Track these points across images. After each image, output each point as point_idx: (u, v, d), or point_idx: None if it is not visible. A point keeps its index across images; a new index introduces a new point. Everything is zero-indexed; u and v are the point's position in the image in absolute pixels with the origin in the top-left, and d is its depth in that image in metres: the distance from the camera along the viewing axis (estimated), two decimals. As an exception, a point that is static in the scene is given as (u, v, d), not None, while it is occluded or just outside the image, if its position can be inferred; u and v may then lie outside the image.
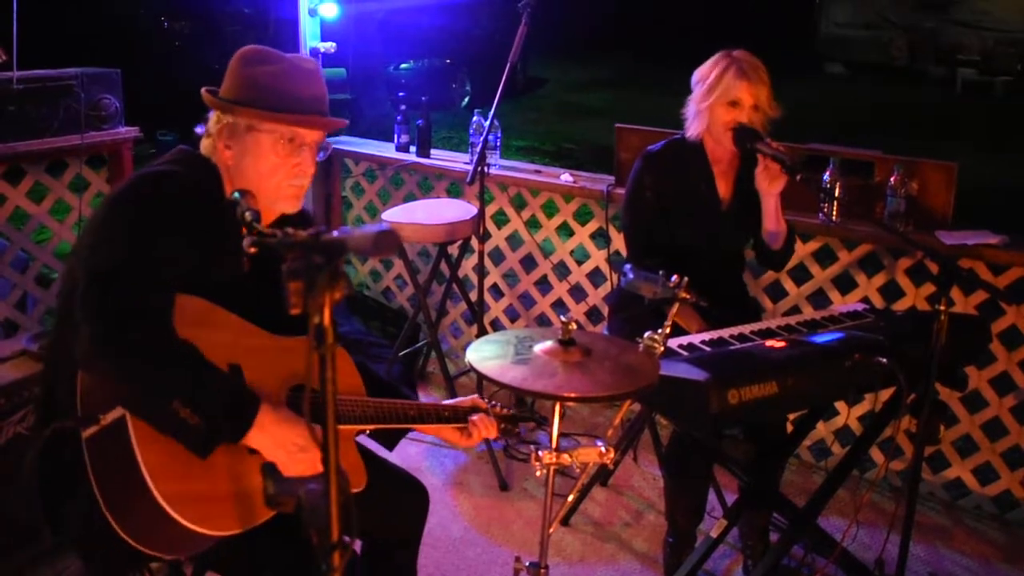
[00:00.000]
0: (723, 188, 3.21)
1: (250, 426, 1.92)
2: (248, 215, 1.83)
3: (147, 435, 1.85)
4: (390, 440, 2.46)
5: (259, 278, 2.15)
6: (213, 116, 2.15)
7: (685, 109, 3.20)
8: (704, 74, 3.12)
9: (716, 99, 3.05)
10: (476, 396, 2.45)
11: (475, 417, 2.39)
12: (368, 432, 2.37)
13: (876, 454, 3.86)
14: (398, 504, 2.38)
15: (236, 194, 1.91)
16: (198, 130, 2.19)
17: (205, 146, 2.16)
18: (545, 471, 2.18)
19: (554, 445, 2.17)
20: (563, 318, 2.18)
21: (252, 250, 1.69)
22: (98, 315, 1.85)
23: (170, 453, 1.86)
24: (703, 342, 2.61)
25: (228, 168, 2.14)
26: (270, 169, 2.12)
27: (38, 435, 2.04)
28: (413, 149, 4.84)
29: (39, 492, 2.03)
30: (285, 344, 2.14)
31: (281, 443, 1.94)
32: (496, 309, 4.80)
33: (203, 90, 2.17)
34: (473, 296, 4.19)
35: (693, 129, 3.16)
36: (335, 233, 1.28)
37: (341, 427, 2.13)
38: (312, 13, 4.79)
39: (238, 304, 2.08)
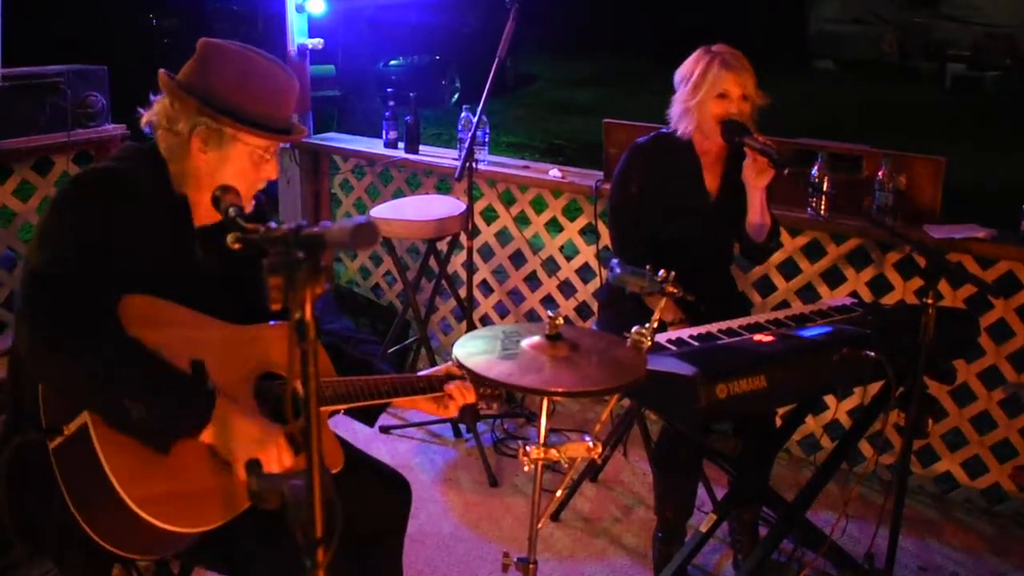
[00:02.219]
0: (711, 182, 3.22)
1: (207, 420, 1.89)
2: (232, 211, 1.82)
3: (111, 440, 1.84)
4: (369, 416, 2.43)
5: (219, 270, 2.15)
6: (177, 109, 2.05)
7: (669, 110, 3.20)
8: (687, 72, 3.12)
9: (705, 94, 3.06)
10: (450, 363, 2.35)
11: (451, 385, 2.35)
12: (343, 411, 2.34)
13: (865, 448, 3.86)
14: (380, 499, 2.36)
15: (217, 191, 1.91)
16: (143, 118, 2.11)
17: (166, 140, 2.08)
18: (533, 466, 2.18)
19: (542, 440, 2.16)
20: (550, 313, 2.17)
21: (236, 246, 1.68)
22: (36, 317, 1.83)
23: (136, 456, 1.85)
24: (691, 337, 2.61)
25: (198, 169, 2.09)
26: (240, 174, 2.09)
27: (5, 444, 2.01)
28: (401, 145, 4.83)
29: (8, 502, 2.02)
30: (247, 333, 2.13)
31: (237, 436, 1.91)
32: (485, 305, 4.79)
33: (166, 77, 2.07)
34: (462, 292, 4.18)
35: (681, 127, 3.16)
36: (315, 228, 1.27)
37: None
38: (299, 9, 4.77)
39: (195, 298, 2.05)
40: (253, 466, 1.47)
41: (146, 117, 2.11)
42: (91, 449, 1.82)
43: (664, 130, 3.26)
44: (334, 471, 2.14)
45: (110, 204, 1.97)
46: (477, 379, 2.19)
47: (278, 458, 1.91)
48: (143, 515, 1.81)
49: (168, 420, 1.86)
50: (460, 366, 2.09)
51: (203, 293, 2.08)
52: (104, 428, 1.84)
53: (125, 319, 1.92)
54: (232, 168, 2.08)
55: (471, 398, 2.38)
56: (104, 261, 1.91)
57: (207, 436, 1.90)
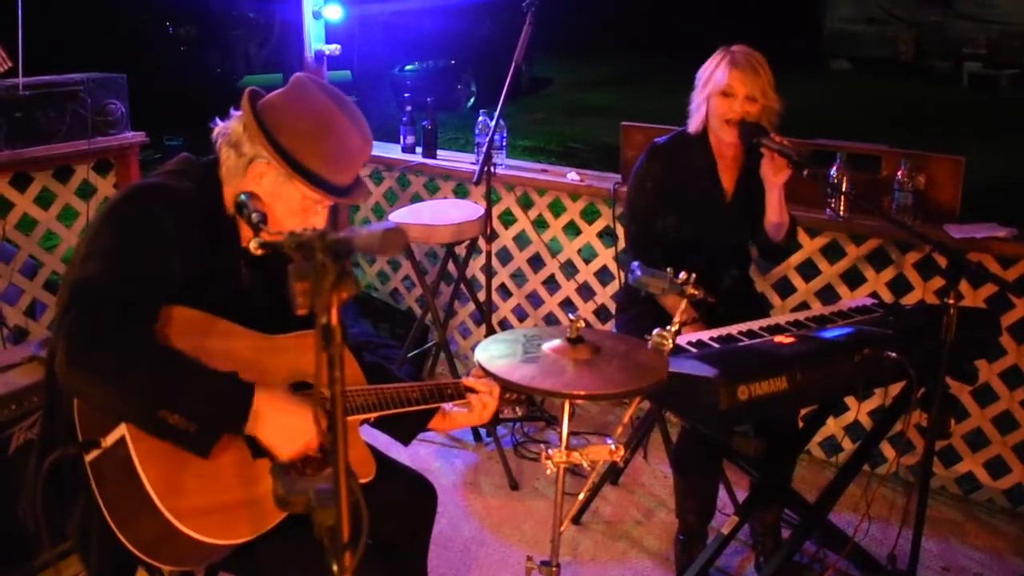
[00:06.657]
0: (727, 181, 3.22)
1: (247, 417, 1.90)
2: (255, 216, 1.83)
3: (149, 452, 1.85)
4: (406, 434, 2.43)
5: (257, 283, 2.15)
6: (246, 133, 2.05)
7: (690, 106, 3.22)
8: (703, 69, 3.17)
9: (711, 90, 3.10)
10: (476, 368, 2.33)
11: (473, 382, 2.38)
12: (372, 422, 2.33)
13: (887, 449, 3.85)
14: (406, 502, 2.37)
15: (243, 196, 1.91)
16: (216, 129, 2.12)
17: (228, 160, 2.08)
18: (555, 470, 2.18)
19: (564, 443, 2.17)
20: (571, 316, 2.17)
21: (259, 251, 1.69)
22: (70, 333, 1.82)
23: (174, 468, 1.86)
24: (712, 338, 2.61)
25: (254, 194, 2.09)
26: (288, 215, 2.08)
27: (42, 456, 2.01)
28: (419, 150, 4.85)
29: (45, 510, 2.03)
30: (282, 343, 2.13)
31: (280, 429, 1.92)
32: (504, 309, 4.79)
33: (248, 98, 2.07)
34: (481, 296, 4.18)
35: (694, 123, 3.20)
36: (342, 233, 1.28)
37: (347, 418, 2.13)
38: (316, 16, 4.79)
39: (235, 310, 2.07)
40: (278, 471, 1.48)
41: (218, 130, 2.11)
42: (129, 461, 1.83)
43: (682, 129, 3.27)
44: (366, 480, 2.15)
45: (160, 220, 1.97)
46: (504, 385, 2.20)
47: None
48: (180, 527, 1.82)
49: (209, 419, 1.86)
50: (488, 373, 2.08)
51: (247, 304, 2.10)
52: (143, 440, 1.85)
53: (161, 329, 1.93)
54: (281, 206, 2.07)
55: (493, 401, 2.38)
56: (150, 277, 1.92)
57: (248, 430, 1.91)
